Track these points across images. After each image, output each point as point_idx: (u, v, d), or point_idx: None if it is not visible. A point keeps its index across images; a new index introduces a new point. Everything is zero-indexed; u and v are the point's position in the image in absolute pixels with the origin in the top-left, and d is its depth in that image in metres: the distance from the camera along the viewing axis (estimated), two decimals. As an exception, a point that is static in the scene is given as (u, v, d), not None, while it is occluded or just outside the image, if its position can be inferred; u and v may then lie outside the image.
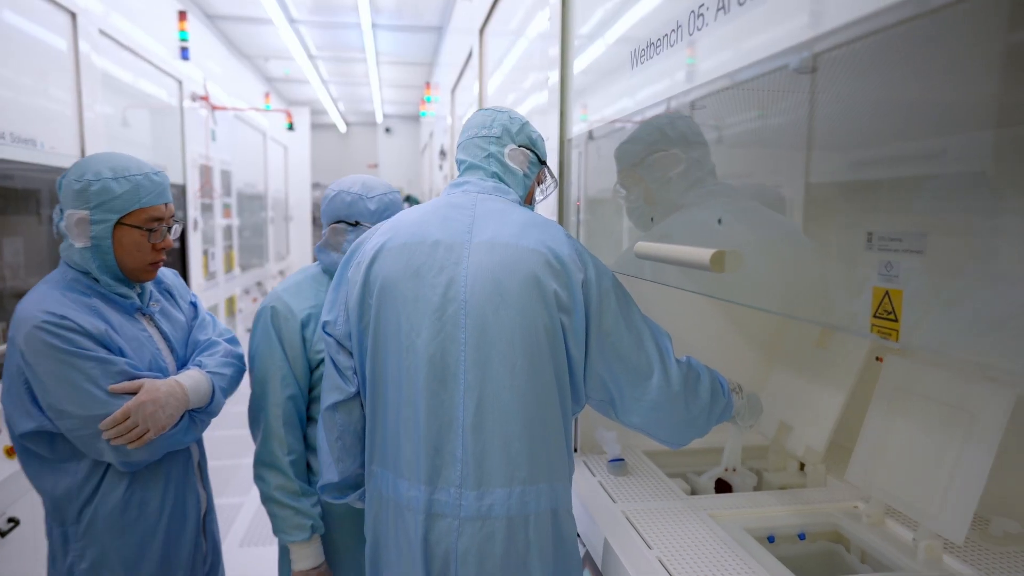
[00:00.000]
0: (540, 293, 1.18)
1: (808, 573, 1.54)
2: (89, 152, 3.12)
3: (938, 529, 1.31)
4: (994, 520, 1.42)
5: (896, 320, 1.76)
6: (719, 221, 1.26)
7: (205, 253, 5.24)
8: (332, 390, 1.34)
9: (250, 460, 1.65)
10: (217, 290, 5.57)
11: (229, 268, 6.13)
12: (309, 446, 1.64)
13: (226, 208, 5.98)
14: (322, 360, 1.58)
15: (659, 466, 1.94)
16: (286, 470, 1.56)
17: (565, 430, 1.26)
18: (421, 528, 1.20)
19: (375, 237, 1.31)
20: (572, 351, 1.23)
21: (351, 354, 1.32)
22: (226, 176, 6.02)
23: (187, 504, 1.58)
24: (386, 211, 1.66)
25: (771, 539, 1.54)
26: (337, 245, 1.65)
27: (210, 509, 1.69)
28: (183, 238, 4.84)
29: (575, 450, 1.95)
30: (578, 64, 1.96)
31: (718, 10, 1.12)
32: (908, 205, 1.04)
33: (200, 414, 1.51)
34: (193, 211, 4.91)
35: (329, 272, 1.68)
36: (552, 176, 1.46)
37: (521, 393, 1.18)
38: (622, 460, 1.78)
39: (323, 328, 1.35)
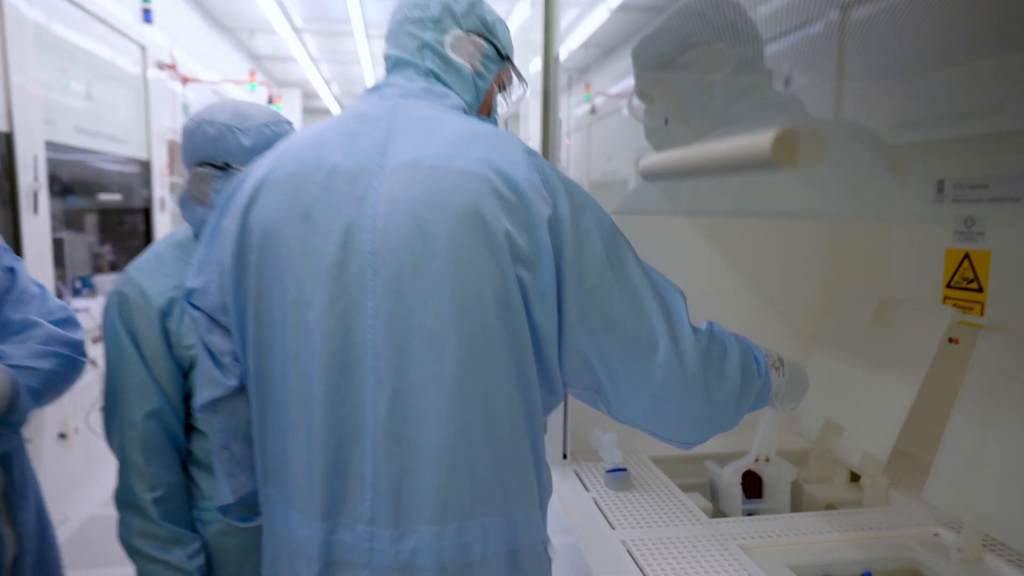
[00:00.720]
0: (485, 237, 0.81)
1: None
2: (17, 124, 2.73)
3: (995, 531, 0.91)
4: None
5: (981, 290, 1.33)
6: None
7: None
8: (207, 384, 0.97)
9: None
10: (190, 277, 5.18)
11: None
12: (196, 461, 1.24)
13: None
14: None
15: (671, 476, 1.53)
16: (149, 512, 1.16)
17: (530, 436, 0.88)
18: None
19: (257, 169, 0.94)
20: (538, 320, 0.84)
21: (229, 333, 0.95)
22: (202, 155, 5.63)
23: None
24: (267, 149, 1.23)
25: (825, 581, 1.14)
26: (202, 196, 1.24)
27: (26, 549, 1.24)
28: (147, 219, 4.45)
29: (564, 456, 1.54)
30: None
31: None
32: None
33: None
34: (160, 190, 4.51)
35: (199, 234, 1.27)
36: (521, 77, 1.05)
37: (456, 385, 0.80)
38: (624, 470, 1.38)
39: (187, 299, 0.97)
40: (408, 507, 0.80)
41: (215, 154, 1.21)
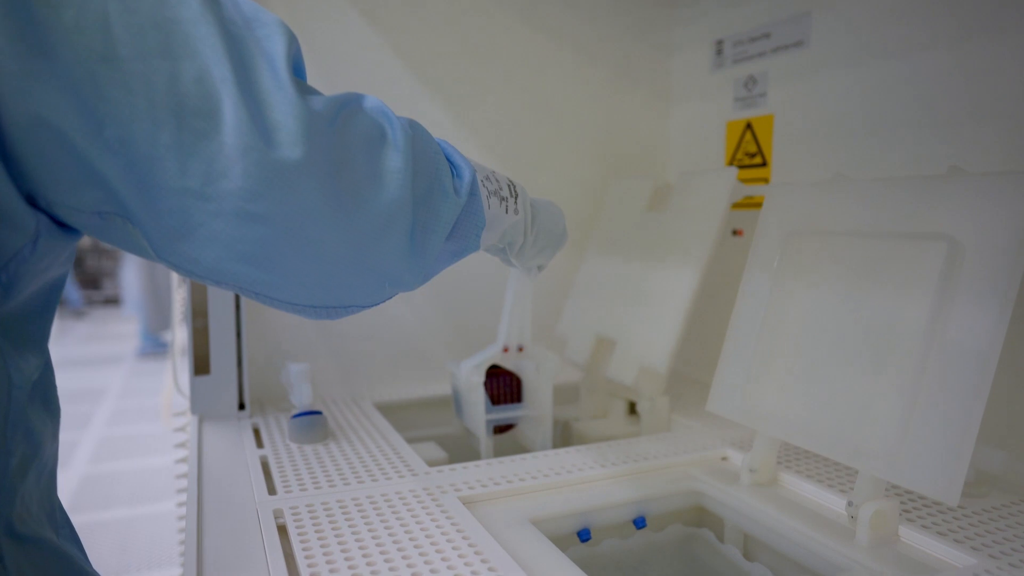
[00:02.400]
0: None
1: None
2: None
3: (902, 480, 0.63)
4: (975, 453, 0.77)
5: (765, 164, 1.05)
6: None
7: None
8: None
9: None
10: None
11: None
12: None
13: None
14: None
15: (403, 428, 1.13)
16: None
17: None
18: None
19: None
20: None
21: None
22: None
23: None
24: None
25: (583, 535, 0.78)
26: None
27: None
28: None
29: (241, 407, 1.06)
30: None
31: None
32: None
33: None
34: None
35: None
36: None
37: None
38: (316, 414, 0.94)
39: None
40: None
41: None
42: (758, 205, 1.16)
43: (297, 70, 0.49)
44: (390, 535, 0.66)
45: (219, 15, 0.44)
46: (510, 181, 0.70)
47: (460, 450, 1.07)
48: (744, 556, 0.80)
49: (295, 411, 0.94)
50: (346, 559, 0.61)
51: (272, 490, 0.77)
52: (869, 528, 0.68)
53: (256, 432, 0.98)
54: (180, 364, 1.31)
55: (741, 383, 0.82)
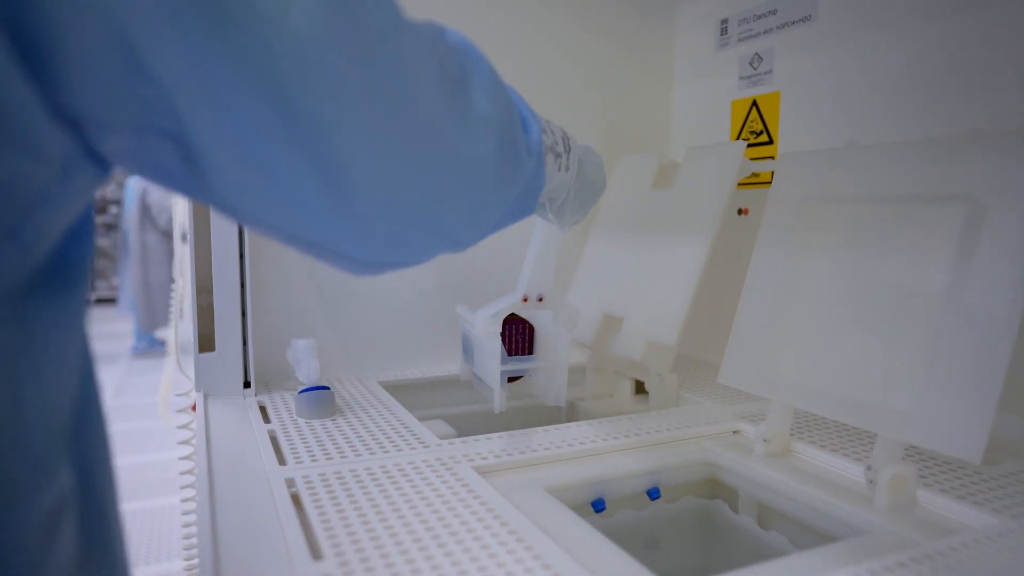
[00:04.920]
0: None
1: (671, 559, 0.82)
2: None
3: (924, 440, 0.62)
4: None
5: (771, 141, 1.03)
6: None
7: None
8: None
9: None
10: None
11: None
12: None
13: None
14: None
15: (411, 407, 1.12)
16: None
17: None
18: None
19: None
20: None
21: None
22: None
23: None
24: None
25: (598, 505, 0.78)
26: None
27: None
28: None
29: (246, 385, 1.05)
30: None
31: None
32: None
33: None
34: None
35: None
36: None
37: None
38: (324, 389, 0.93)
39: None
40: None
41: None
42: (765, 183, 1.15)
43: None
44: (406, 502, 0.65)
45: None
46: (564, 133, 0.65)
47: (469, 429, 1.06)
48: (759, 526, 0.79)
49: (302, 387, 0.93)
50: (365, 526, 0.60)
51: (282, 461, 0.76)
52: (888, 492, 0.67)
53: (262, 409, 0.97)
54: (182, 350, 1.29)
55: (756, 353, 0.82)
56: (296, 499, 0.68)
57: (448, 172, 0.44)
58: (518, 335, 0.95)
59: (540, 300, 0.90)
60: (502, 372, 0.89)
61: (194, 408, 1.02)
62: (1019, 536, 0.60)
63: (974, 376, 0.60)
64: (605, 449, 0.84)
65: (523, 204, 0.59)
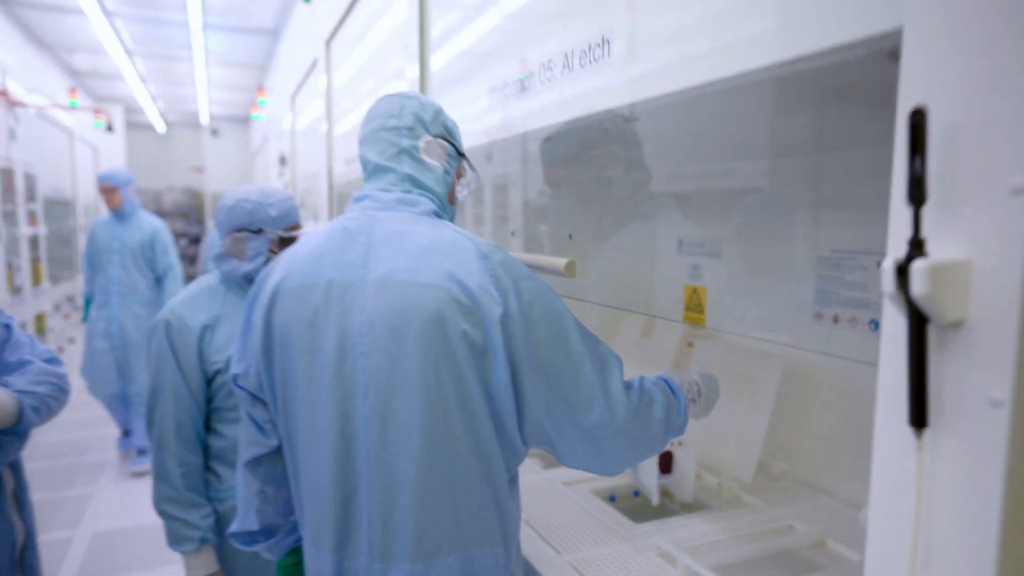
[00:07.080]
0: (443, 336, 1.00)
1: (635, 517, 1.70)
2: None
3: (734, 472, 1.64)
4: (773, 463, 1.79)
5: (702, 312, 1.65)
6: (570, 236, 1.49)
7: (9, 265, 4.69)
8: (251, 445, 1.22)
9: (73, 492, 1.58)
10: (24, 306, 5.01)
11: (37, 282, 5.53)
12: (215, 455, 1.68)
13: (31, 215, 5.36)
14: (219, 371, 1.64)
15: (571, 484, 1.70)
16: (175, 482, 1.59)
17: (491, 490, 1.06)
18: None
19: (273, 275, 1.15)
20: (496, 399, 1.03)
21: (266, 405, 1.19)
22: (31, 180, 5.37)
23: (0, 536, 1.52)
24: (287, 216, 1.74)
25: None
26: (240, 253, 1.70)
27: (30, 543, 1.62)
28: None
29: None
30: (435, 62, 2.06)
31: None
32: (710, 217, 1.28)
33: (6, 435, 1.44)
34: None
35: (228, 282, 1.73)
36: (473, 169, 1.26)
37: (421, 457, 1.01)
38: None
39: (234, 381, 1.21)
40: (392, 547, 1.04)
41: (251, 223, 1.70)
42: (700, 330, 2.30)
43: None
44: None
45: (592, 355, 1.04)
46: (698, 384, 1.22)
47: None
48: (679, 508, 1.75)
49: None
50: None
51: (557, 550, 1.38)
52: (725, 492, 1.70)
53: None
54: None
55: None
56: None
57: (649, 451, 1.14)
58: (663, 461, 1.72)
59: (679, 444, 1.75)
60: (657, 484, 1.71)
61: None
62: None
63: None
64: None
65: (683, 428, 1.16)
